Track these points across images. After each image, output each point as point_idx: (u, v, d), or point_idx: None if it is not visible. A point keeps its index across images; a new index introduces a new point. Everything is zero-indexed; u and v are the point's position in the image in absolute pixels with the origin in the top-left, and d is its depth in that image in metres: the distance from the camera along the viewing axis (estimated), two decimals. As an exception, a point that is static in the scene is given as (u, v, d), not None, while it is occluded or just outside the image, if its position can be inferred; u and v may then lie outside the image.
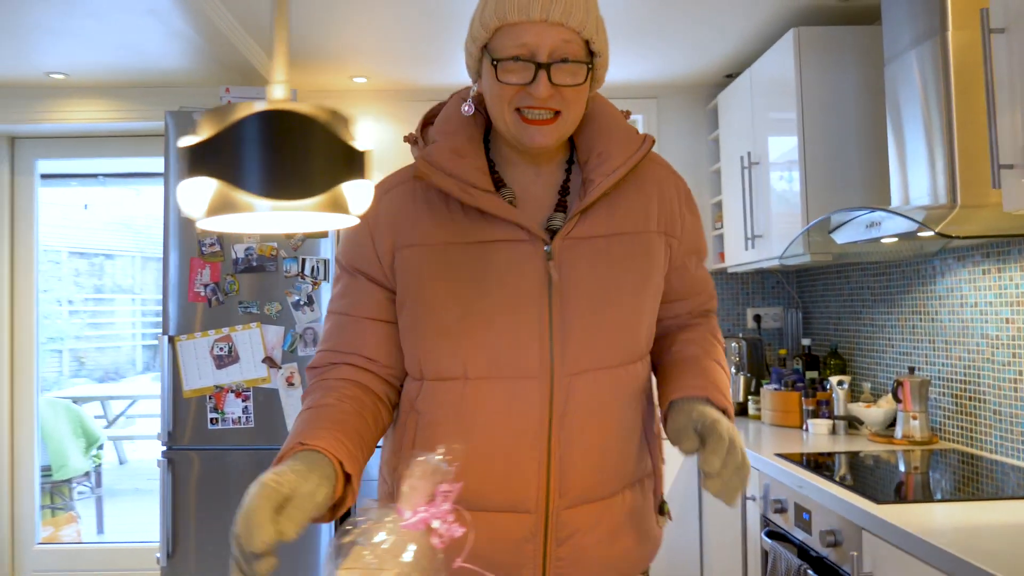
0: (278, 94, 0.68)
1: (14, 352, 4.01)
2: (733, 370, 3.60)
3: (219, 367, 3.13)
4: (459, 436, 1.16)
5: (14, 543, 3.98)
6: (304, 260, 3.14)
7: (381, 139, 3.84)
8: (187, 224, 3.09)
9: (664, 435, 1.25)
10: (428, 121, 1.30)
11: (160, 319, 3.19)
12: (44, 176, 4.16)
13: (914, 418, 2.69)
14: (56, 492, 4.86)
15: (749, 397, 3.49)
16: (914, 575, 1.63)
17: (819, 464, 2.40)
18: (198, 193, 0.68)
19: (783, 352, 3.67)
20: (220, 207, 0.67)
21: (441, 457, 1.01)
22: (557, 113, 1.14)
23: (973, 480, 2.14)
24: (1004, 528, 1.65)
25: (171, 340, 3.12)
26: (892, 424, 2.81)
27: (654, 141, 1.25)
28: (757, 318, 3.93)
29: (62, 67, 3.50)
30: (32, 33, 3.06)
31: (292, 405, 3.11)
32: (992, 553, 1.46)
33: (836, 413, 2.99)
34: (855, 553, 1.88)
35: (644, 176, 1.26)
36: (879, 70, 2.78)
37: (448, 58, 3.45)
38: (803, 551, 2.21)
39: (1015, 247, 2.33)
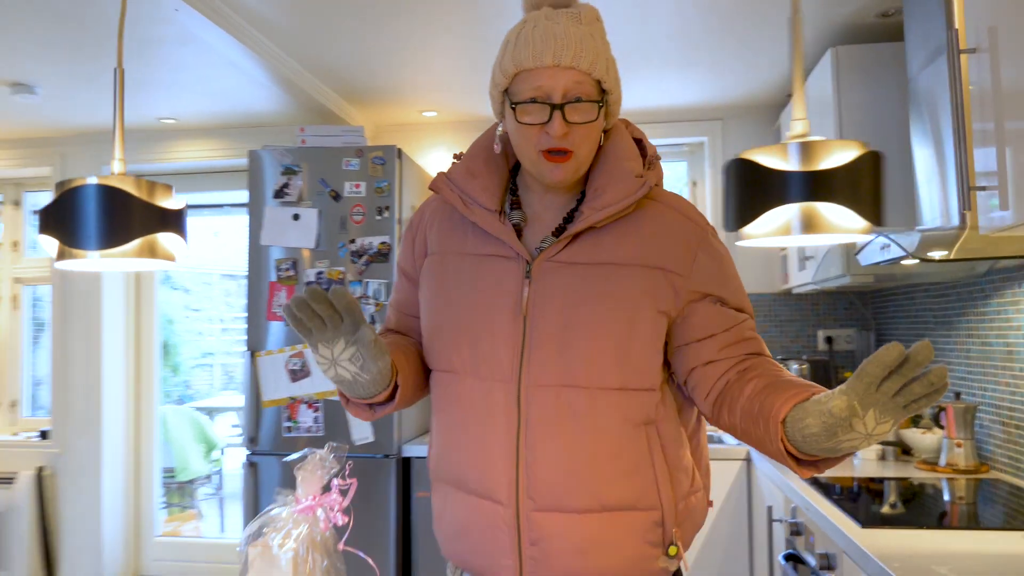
0: (117, 169, 0.88)
1: (140, 366, 4.51)
2: (795, 392, 3.55)
3: (293, 380, 3.43)
4: (451, 422, 1.32)
5: (138, 534, 4.46)
6: (367, 283, 3.39)
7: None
8: (265, 250, 3.42)
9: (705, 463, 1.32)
10: None
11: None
12: (166, 208, 4.66)
13: (958, 445, 2.60)
14: (180, 492, 5.37)
15: (808, 420, 3.44)
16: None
17: (831, 488, 2.38)
18: (49, 245, 0.89)
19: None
20: (65, 254, 0.87)
21: (329, 452, 1.22)
22: (570, 152, 1.24)
23: (1000, 509, 2.07)
24: (970, 558, 1.63)
25: (252, 355, 3.45)
26: (942, 451, 2.72)
27: (654, 185, 1.31)
28: (829, 340, 3.85)
29: (172, 113, 3.95)
30: (148, 87, 3.50)
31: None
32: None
33: (886, 439, 2.91)
34: (832, 576, 1.88)
35: (648, 216, 1.30)
36: (917, 87, 2.72)
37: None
38: (816, 573, 2.21)
39: (1042, 268, 2.24)
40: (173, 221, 0.87)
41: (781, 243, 0.78)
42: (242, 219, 3.41)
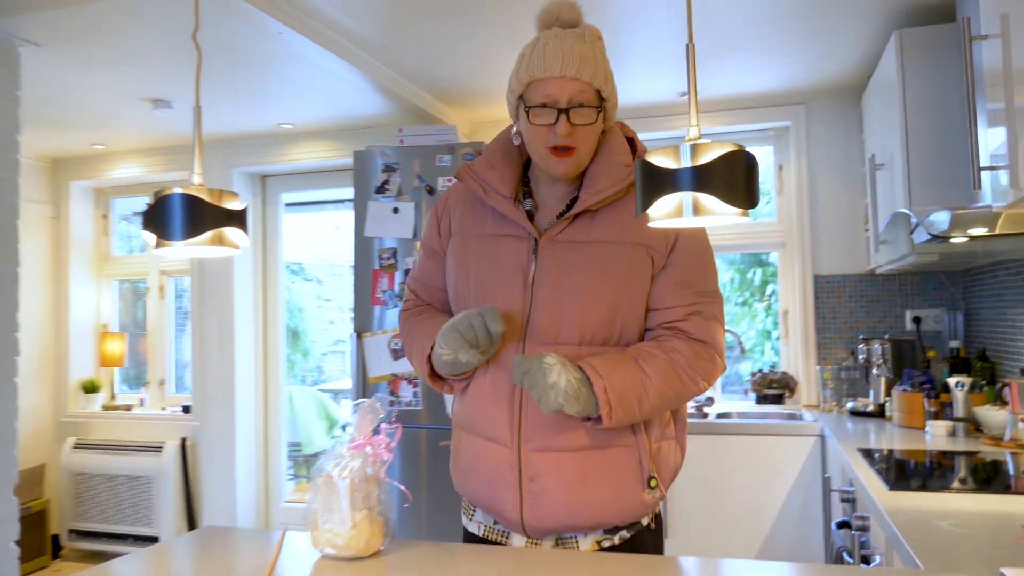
0: (196, 181, 1.18)
1: (267, 348, 5.01)
2: (875, 371, 3.59)
3: (395, 359, 3.77)
4: (470, 377, 1.59)
5: (268, 499, 4.96)
6: (459, 270, 3.70)
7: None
8: (369, 241, 3.77)
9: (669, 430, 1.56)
10: None
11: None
12: (287, 205, 5.13)
13: (1022, 420, 2.63)
14: (307, 464, 5.89)
15: (886, 399, 3.49)
16: (896, 557, 1.77)
17: (879, 458, 2.48)
18: (149, 238, 1.20)
19: (932, 354, 3.60)
20: (159, 244, 1.19)
21: (376, 401, 1.51)
22: (574, 148, 1.48)
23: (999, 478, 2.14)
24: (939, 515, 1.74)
25: (359, 337, 3.82)
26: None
27: None
28: (916, 320, 3.85)
29: (289, 119, 4.38)
30: (268, 97, 3.93)
31: (450, 392, 3.67)
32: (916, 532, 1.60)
33: (956, 415, 2.95)
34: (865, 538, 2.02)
35: (634, 196, 1.49)
36: (981, 67, 2.75)
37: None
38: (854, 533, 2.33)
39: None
40: (236, 218, 1.18)
41: (677, 224, 0.97)
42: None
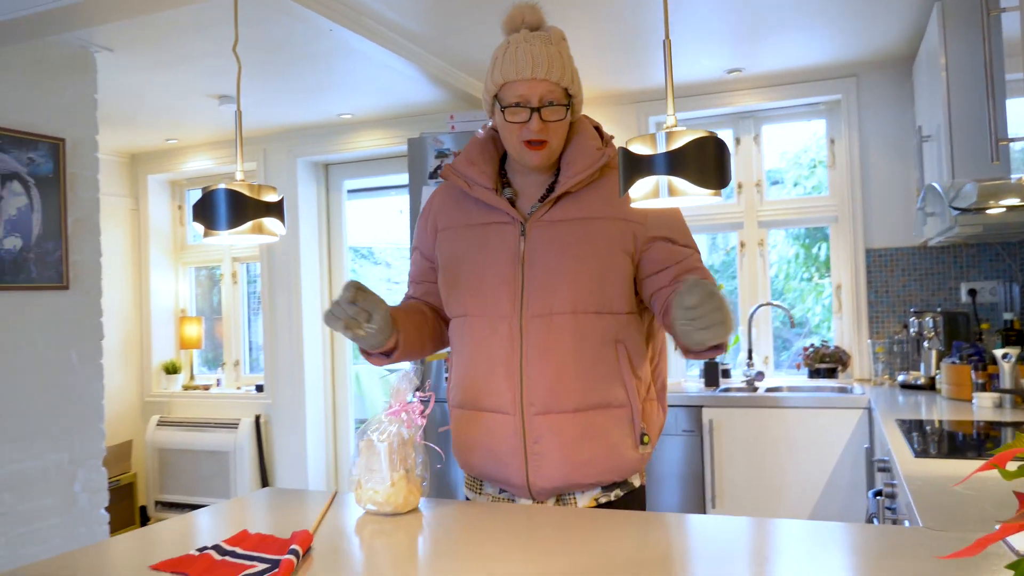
0: (239, 177, 1.33)
1: (334, 331, 5.23)
2: (927, 344, 3.59)
3: (450, 338, 3.94)
4: (466, 357, 1.72)
5: (337, 473, 5.21)
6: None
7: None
8: (424, 226, 3.93)
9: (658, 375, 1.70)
10: None
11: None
12: (350, 191, 5.34)
13: (1068, 391, 2.62)
14: (375, 440, 6.13)
15: (937, 372, 3.48)
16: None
17: (914, 428, 2.52)
18: (199, 227, 1.36)
19: (985, 327, 3.57)
20: (207, 233, 1.35)
21: (410, 371, 1.66)
22: (545, 142, 1.63)
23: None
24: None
25: (416, 317, 3.99)
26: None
27: (612, 156, 1.70)
28: (972, 292, 3.81)
29: (348, 109, 4.56)
30: (328, 89, 4.11)
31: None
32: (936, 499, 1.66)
33: (1003, 386, 2.95)
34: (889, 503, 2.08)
35: (611, 180, 1.68)
36: None
37: (644, 63, 3.89)
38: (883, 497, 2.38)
39: None
40: (274, 209, 1.33)
41: (655, 204, 1.06)
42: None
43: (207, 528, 1.61)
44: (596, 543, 1.33)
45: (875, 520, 2.30)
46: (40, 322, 3.09)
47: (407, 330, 1.71)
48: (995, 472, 1.84)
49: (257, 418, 5.04)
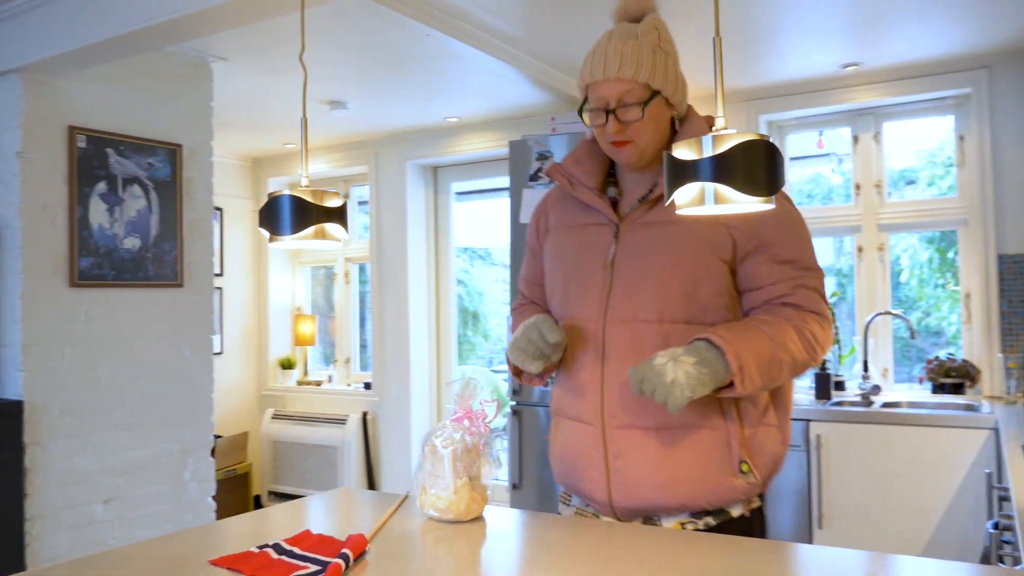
0: (303, 183, 1.35)
1: (439, 330, 5.31)
2: (1065, 360, 3.28)
3: (548, 342, 3.90)
4: (563, 362, 1.67)
5: (441, 473, 5.28)
6: (608, 254, 3.76)
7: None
8: (525, 228, 3.91)
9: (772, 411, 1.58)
10: None
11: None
12: (458, 193, 5.40)
13: None
14: (481, 440, 6.18)
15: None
16: None
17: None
18: (264, 232, 1.39)
19: None
20: (273, 239, 1.37)
21: (473, 378, 1.64)
22: (629, 141, 1.56)
23: None
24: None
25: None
26: None
27: None
28: (1121, 304, 3.46)
29: (454, 113, 4.61)
30: (434, 93, 4.18)
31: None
32: None
33: None
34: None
35: None
36: None
37: (755, 59, 3.74)
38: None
39: None
40: (335, 214, 1.35)
41: (700, 212, 0.99)
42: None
43: (277, 524, 1.65)
44: (677, 568, 1.25)
45: (989, 555, 2.11)
46: (156, 318, 3.27)
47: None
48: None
49: (364, 415, 5.17)
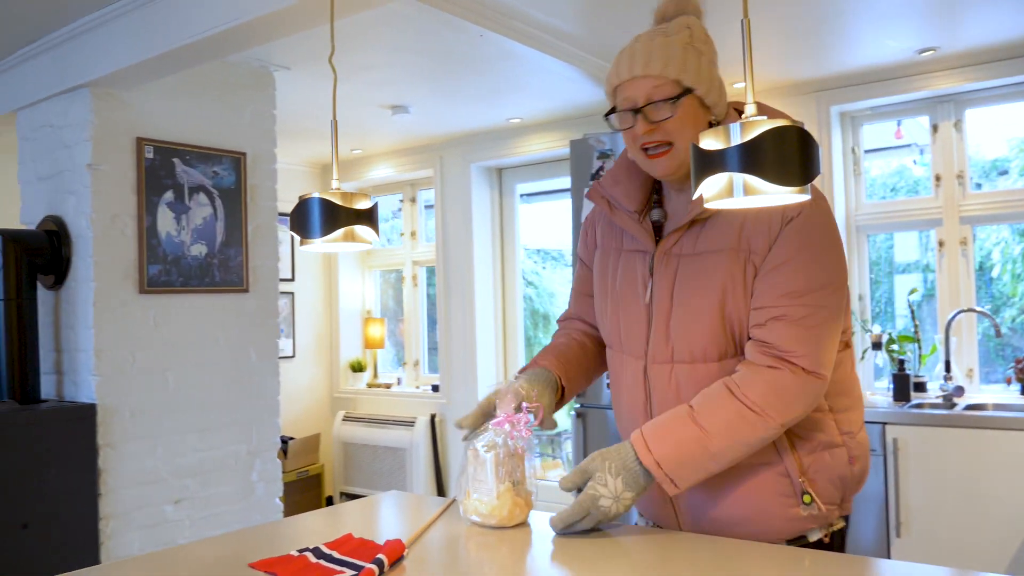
0: (334, 186, 1.35)
1: (506, 331, 5.30)
2: None
3: (612, 343, 3.84)
4: (613, 387, 1.63)
5: (509, 475, 5.26)
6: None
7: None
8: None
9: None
10: None
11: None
12: (523, 195, 5.38)
13: None
14: (551, 443, 6.14)
15: None
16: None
17: None
18: (296, 234, 1.39)
19: None
20: (302, 241, 1.37)
21: (517, 382, 1.60)
22: (670, 145, 1.42)
23: None
24: None
25: (578, 321, 3.93)
26: None
27: None
28: None
29: (517, 114, 4.59)
30: (496, 94, 4.16)
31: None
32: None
33: None
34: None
35: None
36: None
37: (824, 47, 3.59)
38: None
39: None
40: (365, 217, 1.33)
41: (728, 205, 0.93)
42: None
43: (321, 527, 1.65)
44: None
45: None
46: (222, 322, 3.35)
47: (570, 378, 1.65)
48: None
49: (432, 417, 5.20)
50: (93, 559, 2.89)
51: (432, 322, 5.68)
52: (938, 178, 3.90)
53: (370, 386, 5.71)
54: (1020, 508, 3.02)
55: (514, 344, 5.27)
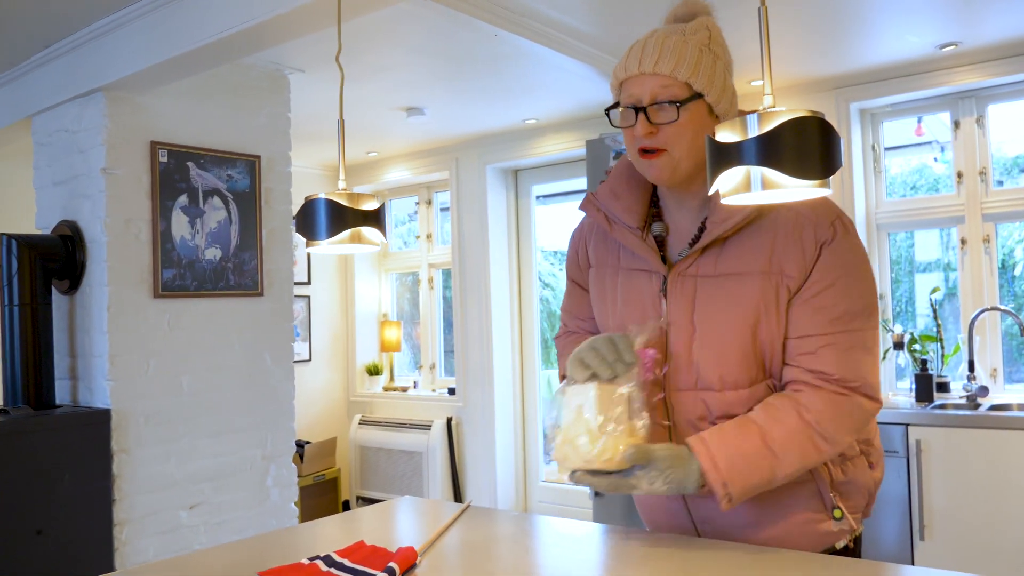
0: (340, 187, 1.32)
1: (523, 334, 5.26)
2: None
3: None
4: None
5: (527, 479, 5.23)
6: (689, 253, 3.62)
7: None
8: (602, 229, 3.83)
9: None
10: None
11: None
12: (539, 197, 5.34)
13: None
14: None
15: None
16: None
17: None
18: (301, 235, 1.37)
19: None
20: (308, 243, 1.35)
21: (661, 321, 1.42)
22: (664, 151, 1.35)
23: None
24: None
25: (594, 323, 3.89)
26: None
27: None
28: None
29: (533, 114, 4.56)
30: (511, 95, 4.14)
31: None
32: None
33: None
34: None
35: (771, 221, 1.35)
36: None
37: (843, 43, 3.54)
38: None
39: None
40: (372, 218, 1.31)
41: (746, 200, 0.89)
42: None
43: (334, 534, 1.62)
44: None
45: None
46: (237, 326, 3.34)
47: None
48: None
49: (449, 420, 5.17)
50: (108, 566, 2.88)
51: (448, 325, 5.66)
52: (960, 175, 3.83)
53: (386, 389, 5.69)
54: (1048, 511, 2.96)
55: (531, 346, 5.24)
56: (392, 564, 1.32)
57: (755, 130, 0.87)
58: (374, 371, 5.72)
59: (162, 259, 3.12)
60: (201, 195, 3.25)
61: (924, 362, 3.60)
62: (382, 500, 5.24)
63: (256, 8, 2.53)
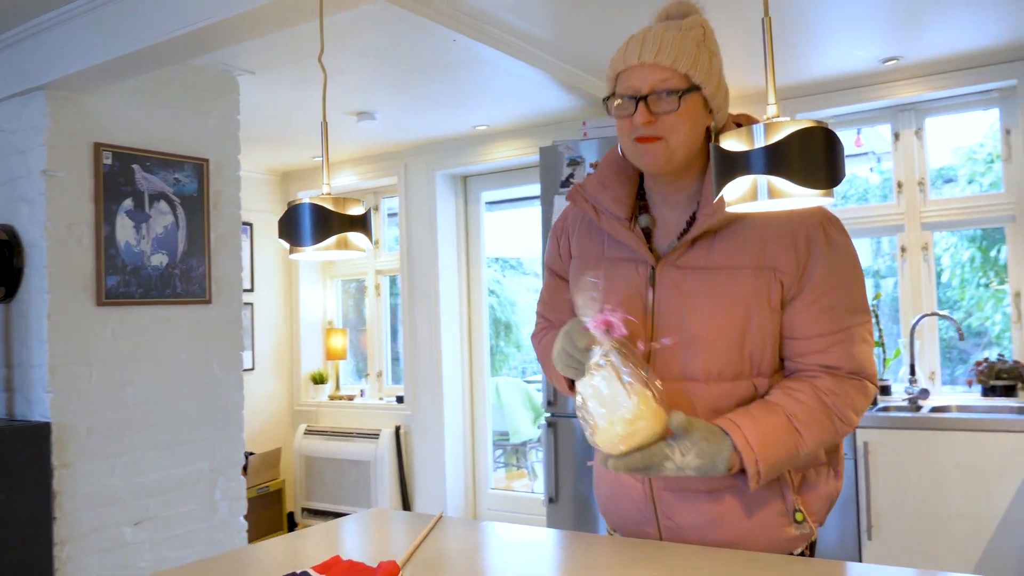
0: (324, 191, 1.29)
1: (472, 341, 5.24)
2: None
3: (583, 352, 3.81)
4: None
5: (475, 486, 5.20)
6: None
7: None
8: (555, 236, 3.83)
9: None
10: None
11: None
12: (488, 203, 5.33)
13: None
14: (515, 453, 6.09)
15: None
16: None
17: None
18: (284, 243, 1.33)
19: None
20: (292, 250, 1.30)
21: (590, 278, 1.36)
22: (662, 140, 1.36)
23: None
24: None
25: (548, 330, 3.89)
26: None
27: None
28: None
29: (484, 120, 4.55)
30: (462, 100, 4.11)
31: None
32: None
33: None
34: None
35: (762, 215, 1.38)
36: None
37: (789, 54, 3.62)
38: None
39: None
40: (358, 223, 1.28)
41: (753, 208, 0.90)
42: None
43: (307, 549, 1.58)
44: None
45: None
46: (184, 335, 3.23)
47: None
48: None
49: (397, 429, 5.11)
50: (49, 585, 2.76)
51: (395, 332, 5.60)
52: (900, 185, 3.96)
53: (332, 398, 5.60)
54: (986, 508, 3.07)
55: (480, 354, 5.21)
56: (376, 578, 1.29)
57: (762, 140, 0.88)
58: (319, 379, 5.62)
59: (106, 265, 3.01)
60: (147, 199, 3.15)
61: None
62: (329, 511, 5.17)
63: (210, 8, 2.46)
